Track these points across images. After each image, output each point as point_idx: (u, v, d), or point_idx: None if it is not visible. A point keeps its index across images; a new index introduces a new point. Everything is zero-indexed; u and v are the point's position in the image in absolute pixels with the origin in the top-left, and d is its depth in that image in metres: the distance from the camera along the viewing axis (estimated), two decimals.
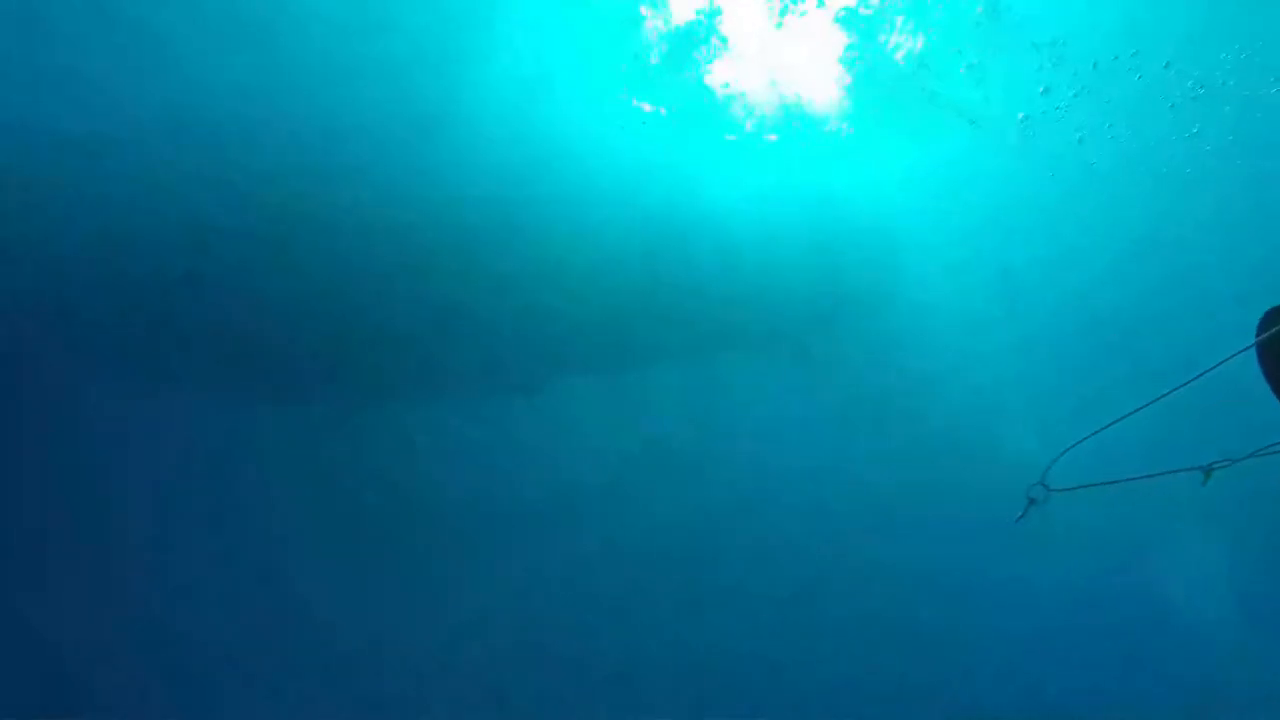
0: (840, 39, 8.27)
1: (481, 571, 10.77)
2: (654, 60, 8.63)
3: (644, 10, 8.23)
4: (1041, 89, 8.50)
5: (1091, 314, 11.22)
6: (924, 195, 10.50)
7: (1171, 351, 11.19)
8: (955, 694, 10.80)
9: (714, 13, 8.23)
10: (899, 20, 7.97)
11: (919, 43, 8.20)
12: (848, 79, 8.85)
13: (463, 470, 10.85)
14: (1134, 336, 11.21)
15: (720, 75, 8.82)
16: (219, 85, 8.77)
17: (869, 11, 7.98)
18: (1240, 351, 3.53)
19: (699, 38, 8.48)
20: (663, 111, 9.10)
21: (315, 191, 9.36)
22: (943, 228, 10.70)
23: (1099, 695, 11.13)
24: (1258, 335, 3.19)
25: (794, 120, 9.30)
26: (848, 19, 7.93)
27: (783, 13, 7.98)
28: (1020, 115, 8.90)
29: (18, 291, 9.73)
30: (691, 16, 8.22)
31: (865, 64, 8.73)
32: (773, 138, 9.55)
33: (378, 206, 9.65)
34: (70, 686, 9.61)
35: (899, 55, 8.32)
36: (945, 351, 11.53)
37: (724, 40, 8.41)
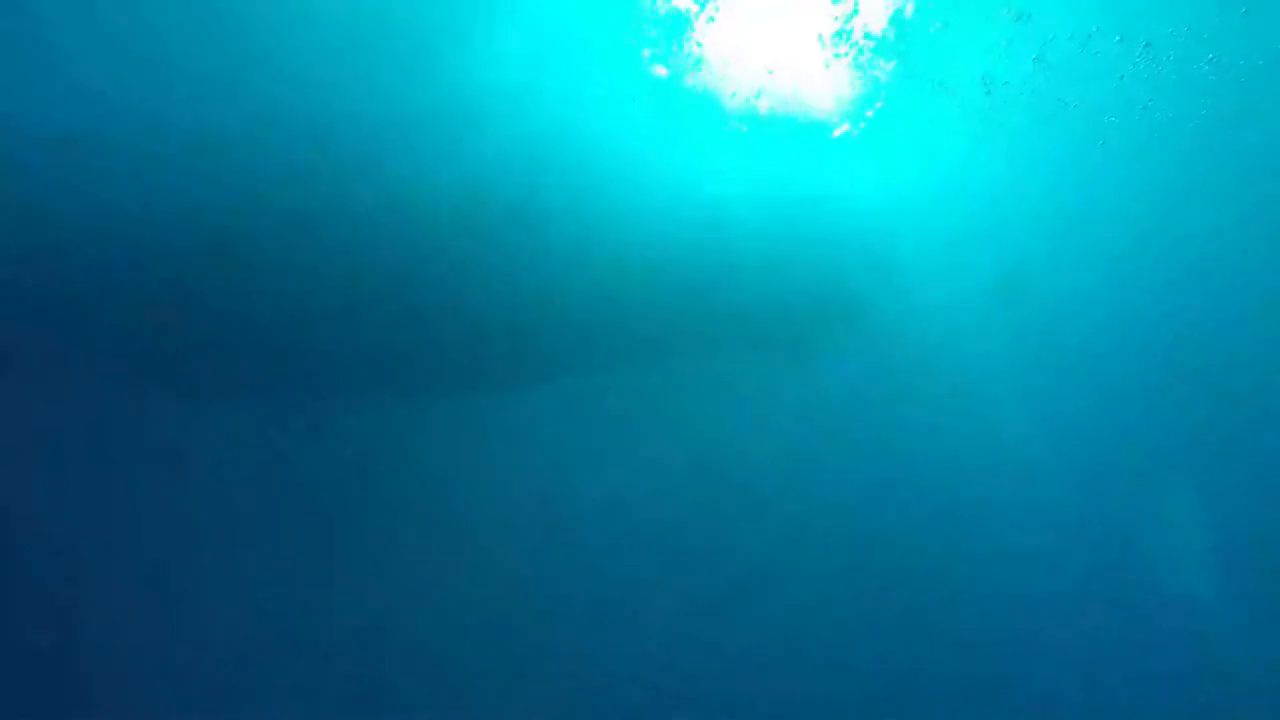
0: (836, 28, 8.33)
1: (479, 570, 10.69)
2: (645, 53, 8.68)
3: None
4: (1004, 41, 8.57)
5: (1092, 307, 11.27)
6: (922, 192, 10.56)
7: (1169, 344, 11.25)
8: (957, 691, 10.73)
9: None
10: None
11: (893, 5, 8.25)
12: (845, 71, 8.91)
13: (459, 469, 10.80)
14: (1132, 330, 11.26)
15: (714, 67, 8.85)
16: (214, 82, 8.82)
17: None
18: None
19: (691, 27, 8.52)
20: (654, 104, 9.15)
21: (313, 185, 9.41)
22: (941, 225, 10.76)
23: (1100, 690, 11.06)
24: None
25: (789, 114, 9.37)
26: None
27: None
28: (982, 76, 8.93)
29: (13, 289, 9.72)
30: (683, 7, 8.26)
31: (864, 59, 8.80)
32: (754, 113, 9.47)
33: (362, 200, 9.69)
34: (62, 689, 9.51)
35: (877, 24, 8.37)
36: (945, 349, 11.56)
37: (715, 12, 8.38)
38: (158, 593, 10.09)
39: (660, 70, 8.77)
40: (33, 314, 9.91)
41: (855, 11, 8.47)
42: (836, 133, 9.46)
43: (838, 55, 8.66)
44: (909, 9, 8.27)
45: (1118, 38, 8.69)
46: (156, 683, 9.58)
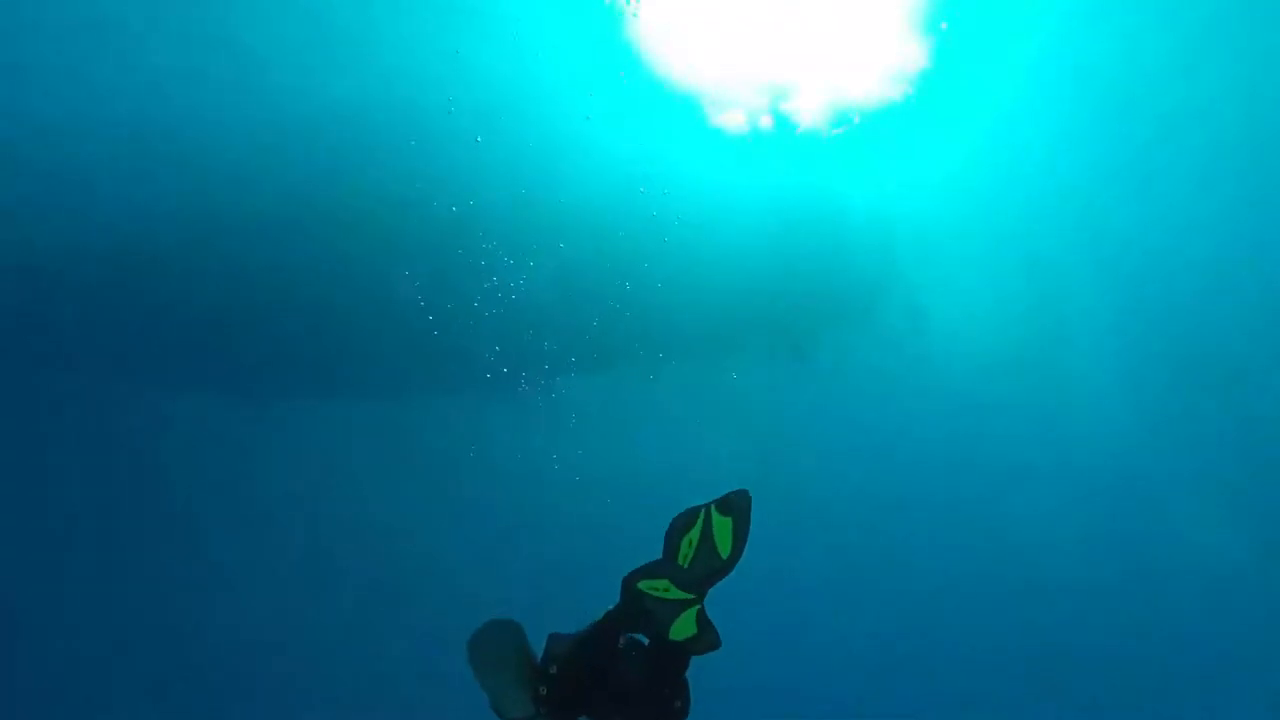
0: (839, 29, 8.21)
1: (479, 570, 10.65)
2: (646, 56, 8.57)
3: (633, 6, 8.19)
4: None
5: (1099, 306, 11.12)
6: (924, 192, 10.43)
7: (1177, 343, 11.08)
8: (960, 687, 10.66)
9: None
10: None
11: None
12: (849, 74, 8.79)
13: (462, 468, 10.75)
14: (1140, 328, 11.11)
15: (716, 70, 8.73)
16: (219, 83, 8.76)
17: None
18: None
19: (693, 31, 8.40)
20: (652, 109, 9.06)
21: (312, 187, 9.35)
22: (943, 226, 10.63)
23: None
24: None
25: (792, 116, 9.25)
26: None
27: None
28: None
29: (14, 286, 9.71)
30: (687, 11, 8.15)
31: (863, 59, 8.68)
32: (766, 122, 9.43)
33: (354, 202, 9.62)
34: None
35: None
36: (946, 350, 11.44)
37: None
38: (149, 584, 10.07)
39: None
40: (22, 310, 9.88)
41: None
42: (837, 133, 9.33)
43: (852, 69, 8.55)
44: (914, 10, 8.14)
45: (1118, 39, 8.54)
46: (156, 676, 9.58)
